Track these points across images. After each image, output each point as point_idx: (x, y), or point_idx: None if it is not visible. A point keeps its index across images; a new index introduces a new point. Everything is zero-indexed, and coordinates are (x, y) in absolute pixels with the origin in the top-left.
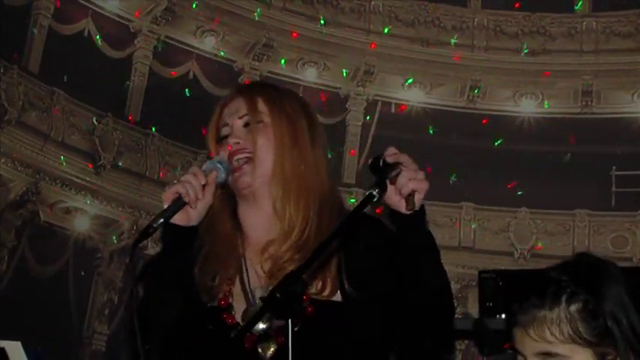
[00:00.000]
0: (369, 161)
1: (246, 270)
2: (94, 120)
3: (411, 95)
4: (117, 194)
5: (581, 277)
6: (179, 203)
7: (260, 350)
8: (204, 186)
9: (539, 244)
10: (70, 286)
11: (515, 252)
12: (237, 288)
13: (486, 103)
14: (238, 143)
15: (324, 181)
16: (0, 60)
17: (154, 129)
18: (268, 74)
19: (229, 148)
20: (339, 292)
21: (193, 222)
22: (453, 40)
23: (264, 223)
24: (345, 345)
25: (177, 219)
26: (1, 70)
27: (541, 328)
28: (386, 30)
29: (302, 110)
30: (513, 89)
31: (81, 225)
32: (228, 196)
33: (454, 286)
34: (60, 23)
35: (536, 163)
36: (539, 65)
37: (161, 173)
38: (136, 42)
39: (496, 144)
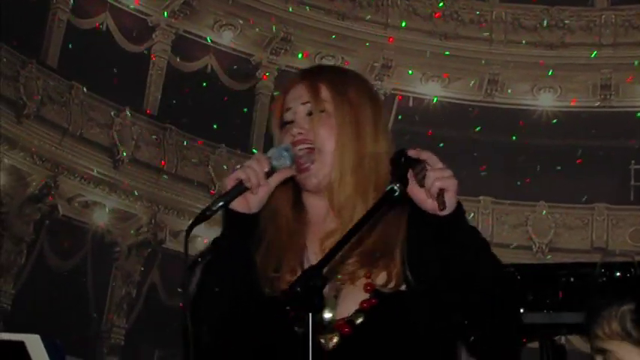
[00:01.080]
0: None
1: (308, 261)
2: (113, 114)
3: (429, 89)
4: (135, 188)
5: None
6: (240, 188)
7: (322, 341)
8: (267, 173)
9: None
10: (88, 279)
11: (534, 246)
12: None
13: (505, 97)
14: (301, 133)
15: (384, 174)
16: (19, 55)
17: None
18: (286, 68)
19: (292, 136)
20: (404, 283)
21: (254, 209)
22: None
23: (324, 214)
24: (409, 336)
25: (237, 205)
26: (20, 65)
27: (595, 325)
28: (403, 24)
29: (368, 98)
30: (532, 83)
31: (99, 218)
32: (292, 184)
33: None
34: (78, 18)
35: (554, 156)
36: (558, 59)
37: (179, 167)
38: (154, 36)
39: (514, 138)
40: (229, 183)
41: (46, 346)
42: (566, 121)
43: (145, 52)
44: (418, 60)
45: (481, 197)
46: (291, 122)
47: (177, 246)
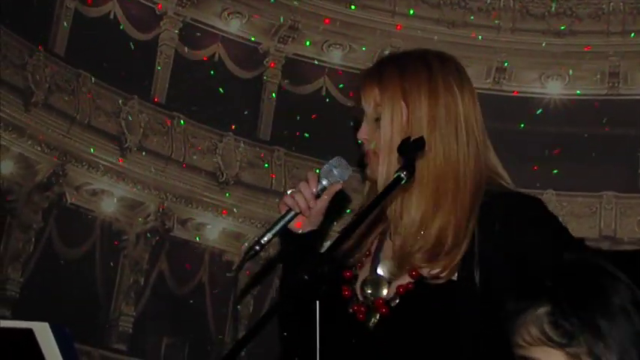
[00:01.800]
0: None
1: (382, 243)
2: (120, 102)
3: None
4: (143, 176)
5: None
6: (290, 215)
7: (367, 321)
8: (318, 195)
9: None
10: (96, 267)
11: None
12: (368, 259)
13: (512, 85)
14: (365, 139)
15: (453, 163)
16: (26, 43)
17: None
18: (293, 56)
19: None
20: (456, 274)
21: (311, 227)
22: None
23: (395, 208)
24: (440, 322)
25: (294, 227)
26: (28, 53)
27: (515, 334)
28: (411, 12)
29: (429, 84)
30: (539, 71)
31: (107, 207)
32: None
33: None
34: (86, 6)
35: (562, 144)
36: (566, 46)
37: (186, 156)
38: (161, 24)
39: (522, 126)
40: (282, 209)
41: (54, 334)
42: (574, 109)
43: (153, 40)
44: (426, 47)
45: None
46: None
47: (185, 234)
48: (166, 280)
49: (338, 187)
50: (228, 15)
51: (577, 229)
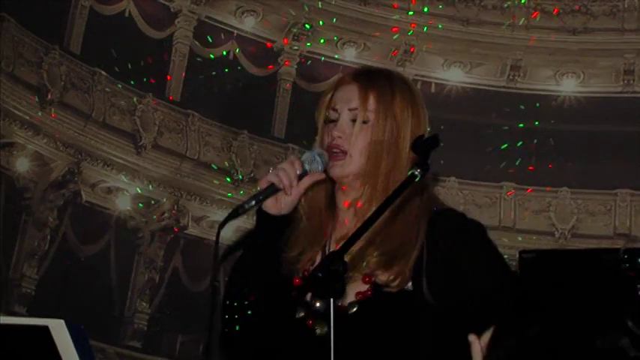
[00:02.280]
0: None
1: (328, 250)
2: (135, 100)
3: (451, 75)
4: (157, 174)
5: None
6: (272, 189)
7: (317, 329)
8: (299, 176)
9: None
10: (111, 265)
11: (556, 232)
12: (317, 265)
13: (527, 83)
14: (340, 137)
15: (413, 186)
16: (42, 41)
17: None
18: (307, 54)
19: (331, 137)
20: (410, 283)
21: (284, 211)
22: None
23: (345, 217)
24: (397, 330)
25: (269, 207)
26: (43, 51)
27: None
28: (425, 9)
29: (412, 108)
30: (554, 68)
31: (122, 205)
32: (330, 183)
33: None
34: (101, 4)
35: (577, 142)
36: (581, 44)
37: (202, 153)
38: (176, 22)
39: (537, 123)
40: (262, 184)
41: (70, 331)
42: (589, 107)
43: (167, 38)
44: (440, 45)
45: (503, 183)
46: (334, 122)
47: (200, 232)
48: (181, 277)
49: (321, 176)
50: (243, 13)
51: (592, 226)
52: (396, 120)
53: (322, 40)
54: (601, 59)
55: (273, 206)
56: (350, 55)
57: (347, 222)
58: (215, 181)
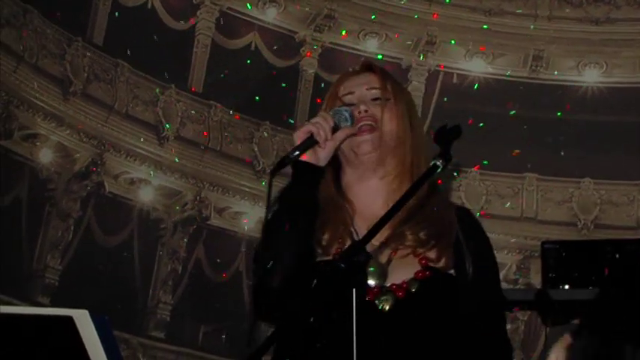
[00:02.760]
0: (432, 133)
1: (355, 231)
2: (158, 91)
3: (473, 65)
4: (180, 165)
5: None
6: (310, 141)
7: (377, 303)
8: (332, 129)
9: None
10: (134, 256)
11: (579, 222)
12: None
13: (549, 73)
14: (367, 111)
15: (426, 161)
16: (65, 32)
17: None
18: (330, 45)
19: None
20: (453, 269)
21: (321, 162)
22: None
23: (369, 195)
24: (455, 311)
25: (307, 157)
26: (67, 43)
27: None
28: (447, 0)
29: (410, 97)
30: (577, 59)
31: (145, 196)
32: (332, 162)
33: (517, 257)
34: None
35: (599, 133)
36: (604, 34)
37: (224, 144)
38: (198, 13)
39: (559, 114)
40: (299, 136)
41: (94, 322)
42: (612, 97)
43: (190, 29)
44: (462, 36)
45: (526, 174)
46: (351, 105)
47: (222, 222)
48: (203, 268)
49: (352, 131)
50: (265, 4)
51: (614, 217)
52: (409, 105)
53: (344, 32)
54: (624, 49)
55: (311, 158)
56: (372, 46)
57: (373, 199)
58: (238, 172)
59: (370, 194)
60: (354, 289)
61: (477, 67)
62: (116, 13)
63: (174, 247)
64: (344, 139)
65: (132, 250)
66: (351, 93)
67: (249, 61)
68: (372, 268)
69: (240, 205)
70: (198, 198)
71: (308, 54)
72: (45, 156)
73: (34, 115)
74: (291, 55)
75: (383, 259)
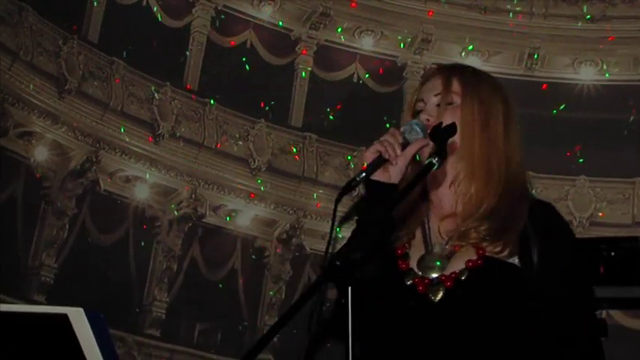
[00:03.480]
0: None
1: (429, 227)
2: (153, 89)
3: (469, 63)
4: (175, 163)
5: None
6: (379, 160)
7: (430, 295)
8: (402, 145)
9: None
10: (130, 254)
11: (574, 220)
12: (416, 240)
13: (545, 71)
14: (428, 120)
15: (511, 168)
16: (60, 30)
17: (212, 100)
18: (325, 42)
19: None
20: (517, 258)
21: (394, 180)
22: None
23: (444, 196)
24: (506, 301)
25: (378, 176)
26: (62, 41)
27: None
28: None
29: (500, 96)
30: (573, 56)
31: (140, 193)
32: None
33: None
34: None
35: (595, 130)
36: (600, 32)
37: (219, 142)
38: (193, 11)
39: (554, 112)
40: (368, 157)
41: (89, 319)
42: (607, 95)
43: (185, 27)
44: (458, 34)
45: None
46: (420, 112)
47: (218, 221)
48: (199, 266)
49: (424, 142)
50: (260, 2)
51: (610, 215)
52: (484, 103)
53: (339, 29)
54: (620, 47)
55: (382, 176)
56: (367, 44)
57: (446, 200)
58: (233, 170)
59: (443, 197)
60: (349, 287)
61: (473, 64)
62: (111, 11)
63: (169, 245)
64: (415, 152)
65: (127, 248)
66: (421, 100)
67: (244, 59)
68: (437, 263)
69: (235, 202)
70: (193, 196)
71: (303, 51)
72: (40, 154)
73: (30, 112)
74: (286, 53)
75: (446, 252)
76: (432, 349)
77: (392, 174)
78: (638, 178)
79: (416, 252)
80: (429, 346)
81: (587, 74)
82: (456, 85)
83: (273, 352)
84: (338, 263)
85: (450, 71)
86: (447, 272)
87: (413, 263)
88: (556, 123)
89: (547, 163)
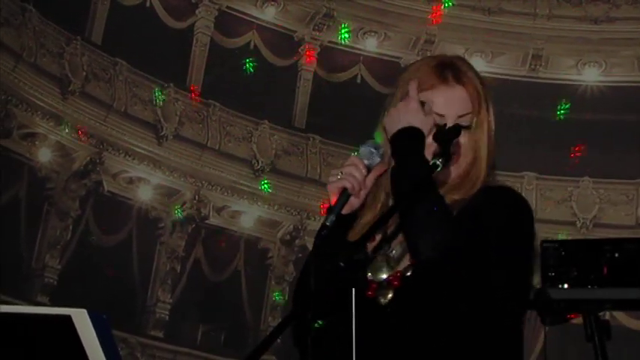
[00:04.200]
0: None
1: (389, 230)
2: (156, 90)
3: (473, 64)
4: (179, 164)
5: None
6: (345, 197)
7: (380, 297)
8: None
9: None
10: (133, 255)
11: (578, 221)
12: (372, 244)
13: (549, 72)
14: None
15: (482, 167)
16: (64, 32)
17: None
18: (329, 44)
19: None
20: None
21: (354, 209)
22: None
23: None
24: (454, 292)
25: (344, 209)
26: (65, 42)
27: None
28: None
29: (487, 88)
30: (576, 58)
31: (144, 195)
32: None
33: None
34: None
35: (598, 132)
36: (603, 33)
37: (223, 143)
38: (197, 12)
39: (559, 113)
40: (333, 190)
41: (92, 321)
42: (611, 96)
43: (188, 28)
44: (461, 35)
45: (525, 173)
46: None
47: (221, 222)
48: (202, 268)
49: (382, 169)
50: (264, 3)
51: (614, 216)
52: (489, 118)
53: (343, 30)
54: (623, 48)
55: (347, 209)
56: (371, 45)
57: None
58: (236, 171)
59: None
60: (353, 289)
61: (477, 66)
62: (114, 13)
63: (172, 246)
64: (375, 178)
65: (130, 250)
66: (441, 115)
67: (247, 60)
68: (387, 263)
69: (238, 204)
70: (197, 197)
71: (307, 52)
72: (44, 155)
73: (33, 114)
74: (290, 54)
75: (397, 253)
76: (384, 351)
77: (355, 204)
78: None
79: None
80: (382, 349)
81: (590, 75)
82: (471, 101)
83: (276, 354)
84: (342, 264)
85: (470, 82)
86: (395, 271)
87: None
88: (560, 124)
89: (551, 164)
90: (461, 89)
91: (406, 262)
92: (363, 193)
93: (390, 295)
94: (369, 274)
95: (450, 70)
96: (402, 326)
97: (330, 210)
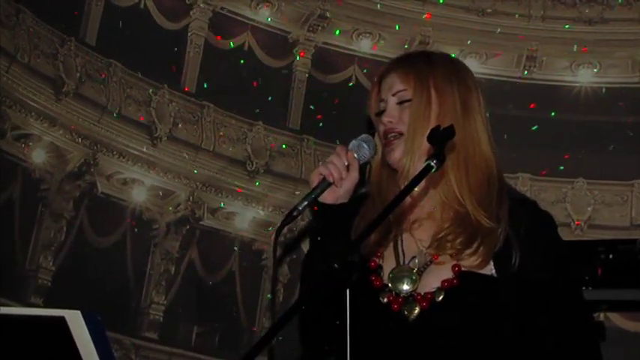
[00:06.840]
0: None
1: (401, 235)
2: (150, 92)
3: (467, 65)
4: (173, 166)
5: None
6: (324, 184)
7: (405, 312)
8: (348, 165)
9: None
10: (127, 256)
11: (572, 223)
12: (388, 250)
13: (543, 74)
14: (391, 122)
15: (482, 152)
16: (58, 32)
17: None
18: (323, 45)
19: (383, 125)
20: (492, 265)
21: (342, 199)
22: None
23: (418, 196)
24: (485, 320)
25: (326, 198)
26: (59, 43)
27: None
28: (441, 0)
29: (456, 77)
30: (570, 59)
31: (138, 196)
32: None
33: None
34: None
35: (593, 133)
36: (597, 35)
37: (217, 145)
38: (191, 13)
39: (553, 114)
40: (314, 179)
41: (86, 322)
42: (605, 98)
43: (182, 29)
44: (455, 36)
45: (519, 174)
46: (383, 112)
47: (215, 223)
48: (197, 269)
49: (365, 161)
50: (258, 4)
51: (608, 217)
52: (439, 93)
53: (338, 32)
54: (617, 50)
55: (330, 197)
56: (365, 47)
57: (420, 203)
58: (231, 172)
59: (416, 196)
60: (347, 290)
61: (471, 67)
62: (108, 14)
63: (167, 247)
64: (378, 182)
65: (124, 251)
66: (382, 100)
67: (242, 61)
68: (410, 276)
69: (233, 205)
70: (191, 198)
71: (302, 54)
72: (37, 156)
73: (27, 115)
74: (284, 55)
75: (420, 264)
76: None
77: (339, 195)
78: (636, 181)
79: (388, 264)
80: None
81: (585, 77)
82: (412, 81)
83: (270, 355)
84: (336, 266)
85: (405, 66)
86: (422, 290)
87: (386, 276)
88: (554, 125)
89: (545, 165)
90: (392, 74)
91: (432, 278)
92: (347, 183)
93: (416, 312)
94: (389, 284)
95: (393, 61)
96: (430, 347)
97: (304, 196)
